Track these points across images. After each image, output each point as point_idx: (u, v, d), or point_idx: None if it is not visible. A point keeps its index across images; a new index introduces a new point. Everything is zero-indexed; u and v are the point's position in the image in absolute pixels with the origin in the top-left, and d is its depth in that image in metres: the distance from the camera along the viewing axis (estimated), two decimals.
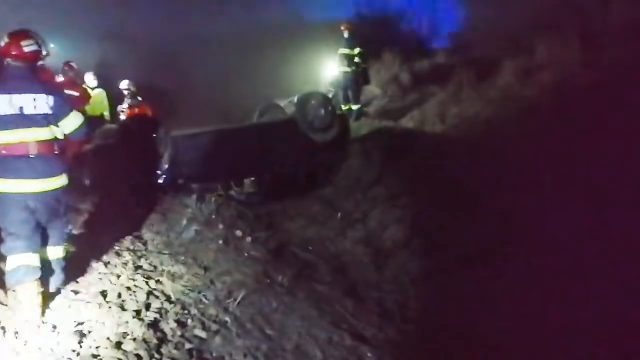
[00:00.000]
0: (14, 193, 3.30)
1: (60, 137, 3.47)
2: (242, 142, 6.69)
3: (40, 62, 3.57)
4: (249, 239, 5.73)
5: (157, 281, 3.97)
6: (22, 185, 3.30)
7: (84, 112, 7.83)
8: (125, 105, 8.98)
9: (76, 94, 7.79)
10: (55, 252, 3.65)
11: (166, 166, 6.03)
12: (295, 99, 7.40)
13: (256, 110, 8.57)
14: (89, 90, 8.75)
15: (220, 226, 5.85)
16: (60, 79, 7.92)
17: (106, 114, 9.25)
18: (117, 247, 4.58)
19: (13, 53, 3.35)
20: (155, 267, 4.36)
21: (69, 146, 3.74)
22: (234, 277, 4.50)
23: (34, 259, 3.39)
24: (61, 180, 3.48)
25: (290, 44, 11.31)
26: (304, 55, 11.17)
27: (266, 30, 11.61)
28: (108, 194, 5.99)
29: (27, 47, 3.39)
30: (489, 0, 12.45)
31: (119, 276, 3.95)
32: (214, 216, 6.06)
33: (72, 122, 3.47)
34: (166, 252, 4.89)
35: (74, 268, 3.89)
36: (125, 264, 4.22)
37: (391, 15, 14.86)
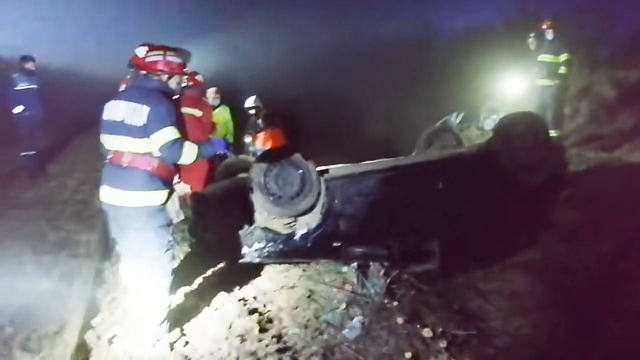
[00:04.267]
0: (104, 202, 3.42)
1: (157, 153, 3.34)
2: (421, 185, 4.91)
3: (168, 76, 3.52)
4: (443, 343, 3.92)
5: None
6: (108, 194, 3.37)
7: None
8: (253, 130, 7.59)
9: (198, 113, 6.36)
10: (145, 301, 3.40)
11: (314, 223, 4.40)
12: (493, 122, 5.50)
13: (422, 135, 6.79)
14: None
15: (399, 319, 4.08)
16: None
17: (230, 137, 7.85)
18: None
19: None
20: None
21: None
22: None
23: None
24: (148, 199, 3.32)
25: (458, 51, 9.41)
26: (475, 64, 9.24)
27: (425, 35, 9.81)
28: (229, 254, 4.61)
29: (147, 57, 3.53)
30: None
31: None
32: (386, 301, 4.31)
33: (160, 137, 3.28)
34: None
35: None
36: None
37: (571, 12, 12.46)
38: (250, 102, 7.97)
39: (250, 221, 4.43)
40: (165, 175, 3.40)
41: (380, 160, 5.54)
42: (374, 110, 8.99)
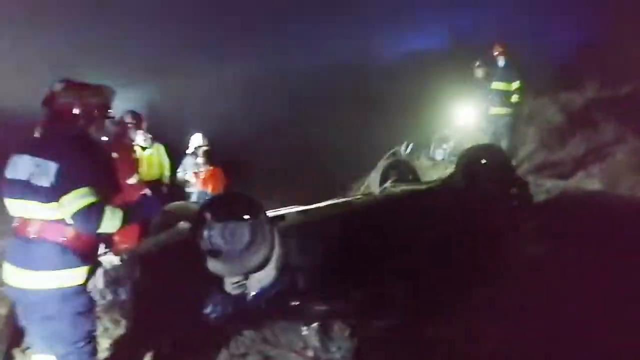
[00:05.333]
0: (7, 284, 2.77)
1: (70, 221, 2.70)
2: (383, 227, 4.51)
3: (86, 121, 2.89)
4: None
5: None
6: (11, 275, 2.72)
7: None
8: (193, 170, 7.03)
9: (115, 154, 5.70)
10: None
11: (269, 279, 3.90)
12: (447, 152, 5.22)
13: (376, 169, 6.49)
14: (141, 151, 6.74)
15: None
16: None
17: (167, 176, 7.25)
18: None
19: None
20: None
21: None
22: None
23: None
24: (62, 279, 2.67)
25: (402, 80, 9.22)
26: (420, 92, 9.06)
27: (367, 64, 9.60)
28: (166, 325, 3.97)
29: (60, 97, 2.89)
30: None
31: None
32: None
33: (71, 202, 2.63)
34: None
35: None
36: None
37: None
38: (198, 140, 7.43)
39: (194, 283, 3.84)
40: (84, 247, 2.76)
41: (338, 201, 5.13)
42: (322, 142, 8.62)
